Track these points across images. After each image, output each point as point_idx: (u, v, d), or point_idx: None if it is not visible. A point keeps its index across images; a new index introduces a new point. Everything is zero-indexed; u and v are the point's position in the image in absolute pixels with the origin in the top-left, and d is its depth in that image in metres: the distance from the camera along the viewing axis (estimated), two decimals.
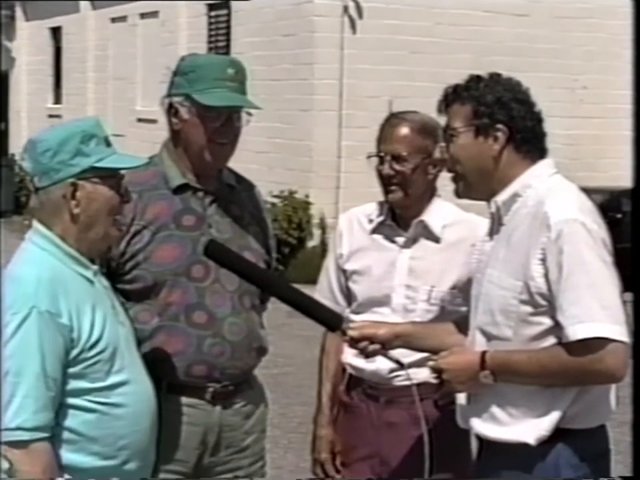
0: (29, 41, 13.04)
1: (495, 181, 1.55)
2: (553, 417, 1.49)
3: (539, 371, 1.48)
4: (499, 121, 1.54)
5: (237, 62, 1.81)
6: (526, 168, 1.55)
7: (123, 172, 1.57)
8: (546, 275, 1.46)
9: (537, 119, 1.56)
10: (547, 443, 1.49)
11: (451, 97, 1.58)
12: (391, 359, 1.65)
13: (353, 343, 1.63)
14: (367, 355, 1.64)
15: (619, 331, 1.43)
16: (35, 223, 1.53)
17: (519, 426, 1.51)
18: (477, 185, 1.56)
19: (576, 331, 1.43)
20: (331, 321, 1.65)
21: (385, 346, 1.64)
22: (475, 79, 1.58)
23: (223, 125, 1.75)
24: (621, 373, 1.44)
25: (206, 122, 1.75)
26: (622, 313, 1.44)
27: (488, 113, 1.54)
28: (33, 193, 1.52)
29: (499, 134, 1.54)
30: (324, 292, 1.93)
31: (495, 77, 1.58)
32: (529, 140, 1.55)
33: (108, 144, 1.53)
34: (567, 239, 1.45)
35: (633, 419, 1.49)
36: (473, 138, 1.55)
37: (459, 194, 1.58)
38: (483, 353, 1.52)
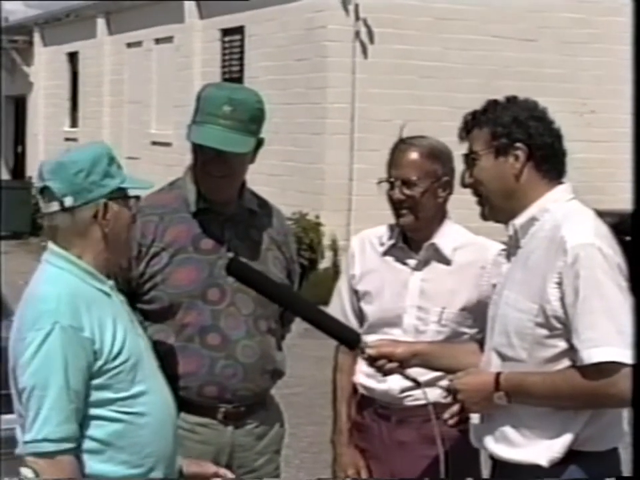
0: (46, 65, 13.24)
1: (516, 201, 1.56)
2: (566, 439, 1.50)
3: (552, 394, 1.49)
4: (518, 139, 1.55)
5: (240, 100, 1.75)
6: (545, 189, 1.56)
7: (139, 193, 1.63)
8: (562, 299, 1.48)
9: (556, 136, 1.58)
10: (560, 464, 1.51)
11: (470, 123, 1.60)
12: (407, 377, 1.67)
13: (371, 360, 1.65)
14: (385, 373, 1.66)
15: (633, 356, 1.44)
16: (50, 244, 1.56)
17: (531, 447, 1.52)
18: (500, 206, 1.58)
19: (591, 355, 1.44)
20: (350, 339, 1.67)
21: (402, 364, 1.65)
22: (492, 103, 1.60)
23: (213, 159, 1.75)
24: None
25: (197, 154, 1.79)
26: None
27: (506, 133, 1.55)
28: (58, 213, 1.54)
29: (519, 152, 1.55)
30: (336, 312, 1.94)
31: (511, 99, 1.60)
32: (549, 158, 1.57)
33: (119, 167, 1.59)
34: (583, 264, 1.46)
35: (633, 419, 1.47)
36: (494, 159, 1.57)
37: (485, 216, 1.60)
38: (498, 375, 1.53)
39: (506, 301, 1.57)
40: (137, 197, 1.60)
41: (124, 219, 1.57)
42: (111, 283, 1.60)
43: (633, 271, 1.51)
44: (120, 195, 1.56)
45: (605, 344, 1.44)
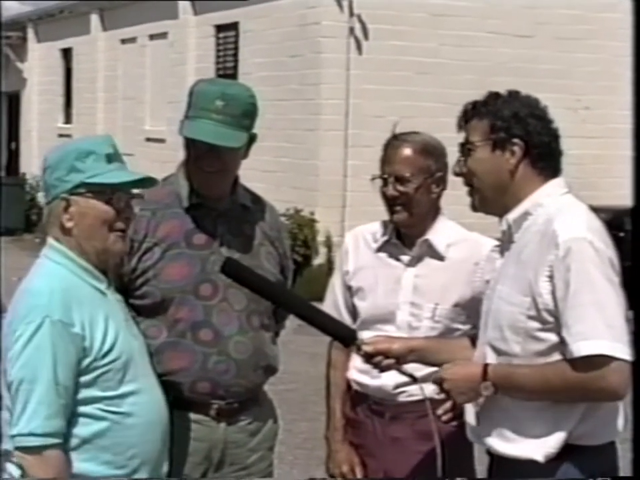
0: (40, 61, 13.21)
1: (509, 196, 1.57)
2: (561, 434, 1.51)
3: (541, 386, 1.50)
4: (516, 135, 1.56)
5: (232, 94, 1.76)
6: (539, 185, 1.57)
7: (130, 189, 1.60)
8: (553, 292, 1.48)
9: (554, 135, 1.58)
10: (556, 459, 1.51)
11: (470, 113, 1.60)
12: (404, 373, 1.68)
13: (368, 357, 1.65)
14: (381, 369, 1.66)
15: (622, 349, 1.45)
16: (49, 239, 1.57)
17: (527, 443, 1.52)
18: (492, 199, 1.58)
19: (580, 348, 1.46)
20: (345, 336, 1.68)
21: (399, 360, 1.66)
22: (494, 96, 1.60)
23: (206, 154, 1.76)
24: (623, 391, 1.46)
25: (189, 148, 1.80)
26: (626, 332, 1.47)
27: (505, 127, 1.56)
28: (45, 207, 1.59)
29: (516, 148, 1.56)
30: (330, 308, 1.96)
31: (513, 94, 1.60)
32: (545, 156, 1.57)
33: (109, 160, 1.56)
34: (574, 257, 1.47)
35: (633, 419, 1.49)
36: (490, 152, 1.57)
37: (475, 207, 1.61)
38: (486, 365, 1.54)
39: (499, 295, 1.57)
40: (122, 190, 1.56)
41: (93, 214, 1.54)
42: (107, 280, 1.59)
43: (633, 267, 1.51)
44: (91, 189, 1.53)
45: (594, 337, 1.45)
